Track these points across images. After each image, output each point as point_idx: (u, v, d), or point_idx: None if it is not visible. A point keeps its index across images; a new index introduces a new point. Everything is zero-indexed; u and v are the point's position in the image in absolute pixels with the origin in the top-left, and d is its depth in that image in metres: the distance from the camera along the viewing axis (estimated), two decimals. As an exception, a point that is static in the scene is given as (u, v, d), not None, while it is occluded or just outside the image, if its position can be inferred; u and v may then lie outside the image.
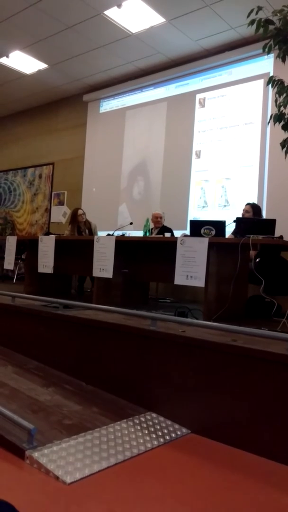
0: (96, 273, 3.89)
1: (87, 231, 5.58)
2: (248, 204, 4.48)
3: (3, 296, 4.02)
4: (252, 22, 3.16)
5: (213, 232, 3.32)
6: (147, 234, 4.60)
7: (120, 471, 1.87)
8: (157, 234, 5.27)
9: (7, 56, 6.42)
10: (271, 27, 3.17)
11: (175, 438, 2.24)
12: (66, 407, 2.50)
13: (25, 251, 5.27)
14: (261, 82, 5.45)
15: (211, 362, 2.34)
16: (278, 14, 3.15)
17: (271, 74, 5.01)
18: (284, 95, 3.28)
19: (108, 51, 6.04)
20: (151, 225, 5.38)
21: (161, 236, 4.81)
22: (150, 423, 2.36)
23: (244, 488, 1.80)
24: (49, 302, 3.61)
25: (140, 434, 2.22)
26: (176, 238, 3.41)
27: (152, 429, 2.29)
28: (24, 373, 3.10)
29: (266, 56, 5.15)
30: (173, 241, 3.37)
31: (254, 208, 4.42)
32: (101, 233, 5.24)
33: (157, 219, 5.47)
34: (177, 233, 4.84)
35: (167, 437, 2.23)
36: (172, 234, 5.08)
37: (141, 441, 2.14)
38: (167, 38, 5.63)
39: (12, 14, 5.35)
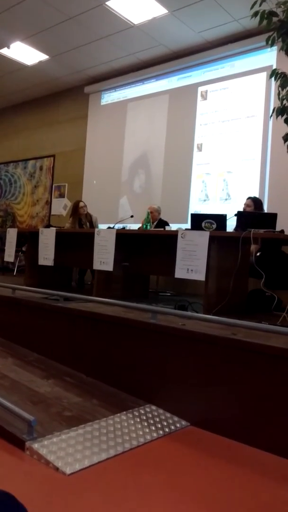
0: (97, 266, 3.89)
1: (88, 223, 5.57)
2: (249, 198, 4.46)
3: (3, 288, 4.02)
4: (255, 14, 3.14)
5: (214, 226, 3.32)
6: (148, 227, 4.59)
7: (120, 462, 1.89)
8: (155, 227, 5.25)
9: (8, 47, 6.37)
10: (274, 19, 3.15)
11: (175, 430, 2.26)
12: (66, 399, 2.51)
13: (25, 244, 5.27)
14: (263, 75, 5.42)
15: (211, 356, 2.34)
16: (282, 6, 3.13)
17: (274, 67, 4.99)
18: (287, 88, 3.26)
19: (109, 42, 6.00)
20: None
21: (162, 229, 4.79)
22: (150, 415, 2.38)
23: (242, 480, 1.81)
24: (50, 294, 3.61)
25: (139, 426, 2.23)
26: (177, 231, 3.40)
27: (152, 421, 2.30)
28: (24, 365, 3.11)
29: (269, 49, 5.13)
30: (174, 235, 3.36)
31: (255, 202, 4.40)
32: (102, 226, 5.24)
33: (152, 213, 5.40)
34: (175, 227, 4.81)
35: (167, 429, 2.24)
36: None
37: (141, 433, 2.16)
38: (170, 30, 5.58)
39: (13, 5, 5.30)
